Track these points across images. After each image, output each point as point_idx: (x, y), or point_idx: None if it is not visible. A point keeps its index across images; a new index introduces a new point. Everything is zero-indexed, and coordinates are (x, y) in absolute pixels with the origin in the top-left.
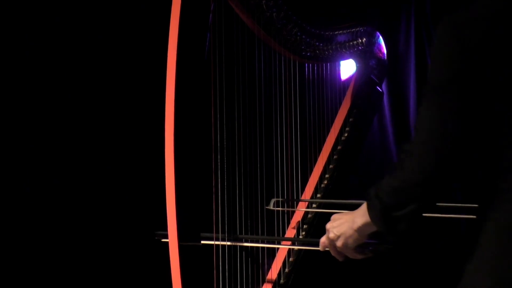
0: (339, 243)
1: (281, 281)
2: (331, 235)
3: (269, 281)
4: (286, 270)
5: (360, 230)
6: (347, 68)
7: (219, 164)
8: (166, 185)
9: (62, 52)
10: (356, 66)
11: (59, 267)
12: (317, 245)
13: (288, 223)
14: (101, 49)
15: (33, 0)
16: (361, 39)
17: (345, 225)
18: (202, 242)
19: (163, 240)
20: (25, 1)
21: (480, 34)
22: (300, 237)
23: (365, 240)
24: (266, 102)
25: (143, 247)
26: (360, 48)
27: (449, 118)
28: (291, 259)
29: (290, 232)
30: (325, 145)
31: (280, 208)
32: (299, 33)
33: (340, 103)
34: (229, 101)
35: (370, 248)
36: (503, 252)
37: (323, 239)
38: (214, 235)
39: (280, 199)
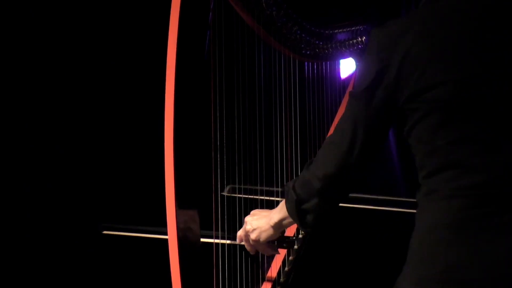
0: (253, 236)
1: (281, 279)
2: (248, 226)
3: (268, 280)
4: (286, 268)
5: (276, 226)
6: (347, 66)
7: (218, 161)
8: (166, 183)
9: (61, 52)
10: (356, 65)
11: (58, 266)
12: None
13: None
14: (100, 47)
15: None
16: (361, 37)
17: (262, 220)
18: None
19: (104, 232)
20: (25, 1)
21: (397, 50)
22: (300, 236)
23: (277, 237)
24: (265, 101)
25: (143, 246)
26: (360, 46)
27: (359, 125)
28: (290, 257)
29: (290, 230)
30: None
31: (235, 195)
32: (299, 32)
33: (340, 102)
34: (229, 100)
35: (283, 244)
36: (425, 251)
37: (240, 232)
38: (213, 233)
39: (236, 186)
